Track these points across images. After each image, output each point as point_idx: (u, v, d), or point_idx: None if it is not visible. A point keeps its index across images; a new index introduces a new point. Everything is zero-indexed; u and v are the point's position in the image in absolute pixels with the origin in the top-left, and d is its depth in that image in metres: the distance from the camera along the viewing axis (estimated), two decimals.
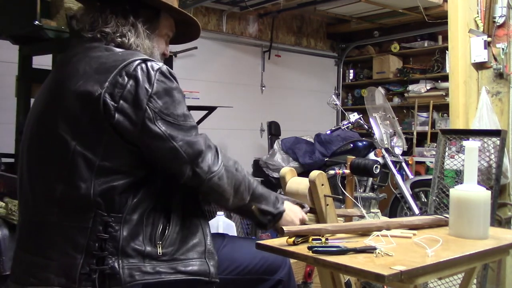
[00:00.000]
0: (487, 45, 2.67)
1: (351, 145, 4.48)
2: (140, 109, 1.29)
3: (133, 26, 1.43)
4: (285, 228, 1.34)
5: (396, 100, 6.86)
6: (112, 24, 1.41)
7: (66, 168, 1.30)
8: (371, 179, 4.06)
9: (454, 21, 2.77)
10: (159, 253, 1.33)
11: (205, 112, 4.47)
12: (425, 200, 4.33)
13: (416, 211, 3.86)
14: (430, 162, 5.38)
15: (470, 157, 1.54)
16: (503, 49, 2.62)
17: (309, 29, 7.11)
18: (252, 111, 6.33)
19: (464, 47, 2.74)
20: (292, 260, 1.66)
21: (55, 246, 1.30)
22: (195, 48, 5.32)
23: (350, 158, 2.32)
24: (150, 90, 1.30)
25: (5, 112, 3.43)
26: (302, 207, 1.71)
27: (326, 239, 1.35)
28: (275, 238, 1.45)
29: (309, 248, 1.26)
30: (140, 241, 1.31)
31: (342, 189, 2.22)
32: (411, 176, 4.41)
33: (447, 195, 2.32)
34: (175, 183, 1.39)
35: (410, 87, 6.62)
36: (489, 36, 2.67)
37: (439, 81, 6.39)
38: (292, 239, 1.33)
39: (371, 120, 4.24)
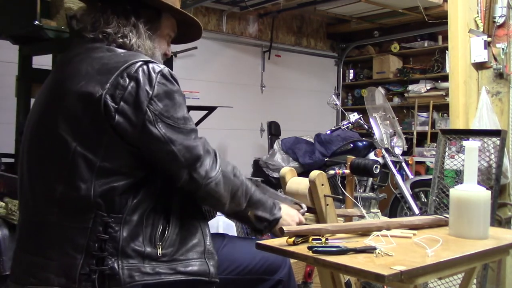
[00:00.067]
0: (487, 45, 2.67)
1: (351, 145, 4.48)
2: (141, 111, 1.29)
3: (135, 26, 1.43)
4: (285, 228, 1.34)
5: (396, 100, 6.86)
6: (114, 25, 1.40)
7: (66, 169, 1.30)
8: (371, 179, 4.07)
9: (454, 21, 2.77)
10: (159, 254, 1.33)
11: (205, 112, 4.47)
12: (425, 200, 4.33)
13: (416, 211, 3.86)
14: (430, 162, 5.38)
15: (470, 157, 1.54)
16: (503, 49, 2.62)
17: (309, 29, 7.11)
18: (252, 111, 6.33)
19: (464, 47, 2.74)
20: (292, 260, 1.66)
21: (55, 246, 1.30)
22: (195, 48, 5.32)
23: (350, 158, 2.32)
24: (150, 92, 1.30)
25: (5, 112, 3.43)
26: (300, 207, 1.71)
27: (326, 239, 1.35)
28: (275, 238, 1.46)
29: (309, 248, 1.26)
30: (140, 242, 1.31)
31: (342, 189, 2.22)
32: (411, 176, 4.41)
33: (447, 195, 2.32)
34: (174, 184, 1.39)
35: (410, 87, 6.62)
36: (489, 36, 2.67)
37: (439, 81, 6.39)
38: (292, 239, 1.33)
39: (371, 120, 4.24)
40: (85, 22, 1.43)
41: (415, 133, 6.29)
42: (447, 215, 1.60)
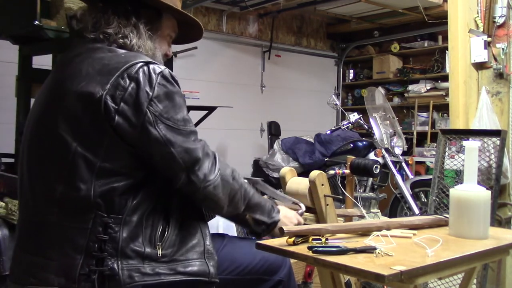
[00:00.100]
0: (487, 45, 2.67)
1: (351, 145, 4.48)
2: (141, 112, 1.29)
3: (135, 27, 1.43)
4: (285, 228, 1.34)
5: (396, 100, 6.86)
6: (114, 25, 1.40)
7: (66, 169, 1.30)
8: (371, 179, 4.07)
9: (454, 21, 2.77)
10: (159, 254, 1.33)
11: (205, 112, 4.47)
12: (425, 200, 4.33)
13: (416, 211, 3.86)
14: (430, 162, 5.38)
15: (470, 157, 1.54)
16: (503, 49, 2.62)
17: (309, 29, 7.11)
18: (252, 111, 6.34)
19: (464, 47, 2.74)
20: (292, 260, 1.66)
21: (55, 246, 1.30)
22: (195, 48, 5.33)
23: (350, 158, 2.32)
24: (151, 93, 1.30)
25: (5, 112, 3.43)
26: (299, 207, 1.71)
27: (326, 239, 1.35)
28: (275, 238, 1.46)
29: (309, 248, 1.26)
30: (139, 243, 1.31)
31: (342, 189, 2.22)
32: (411, 176, 4.41)
33: (447, 195, 2.32)
34: (173, 186, 1.39)
35: (410, 87, 6.62)
36: (489, 36, 2.67)
37: (439, 81, 6.39)
38: (292, 239, 1.33)
39: (371, 120, 4.24)
40: (86, 22, 1.43)
41: (415, 133, 6.29)
42: (447, 215, 1.60)
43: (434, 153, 4.40)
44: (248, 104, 6.30)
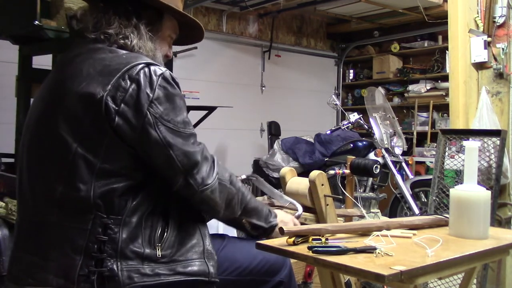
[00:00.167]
0: (487, 45, 2.67)
1: (351, 145, 4.48)
2: (141, 114, 1.29)
3: (136, 27, 1.43)
4: (285, 228, 1.34)
5: (396, 100, 6.86)
6: (115, 26, 1.40)
7: (66, 169, 1.30)
8: (371, 179, 4.07)
9: (454, 21, 2.77)
10: (158, 255, 1.33)
11: (205, 112, 4.48)
12: (425, 200, 4.33)
13: (416, 211, 3.86)
14: (430, 162, 5.38)
15: (470, 157, 1.54)
16: (503, 49, 2.62)
17: (309, 29, 7.11)
18: (252, 111, 6.34)
19: (464, 47, 2.74)
20: (292, 260, 1.66)
21: (54, 246, 1.30)
22: (195, 48, 5.32)
23: (350, 158, 2.32)
24: (151, 95, 1.30)
25: (5, 112, 3.43)
26: (296, 209, 1.72)
27: (326, 239, 1.35)
28: (275, 238, 1.46)
29: (309, 248, 1.26)
30: (139, 244, 1.31)
31: (342, 189, 2.23)
32: (411, 176, 4.41)
33: (447, 195, 2.32)
34: (170, 188, 1.39)
35: (410, 87, 6.62)
36: (489, 36, 2.67)
37: (439, 81, 6.40)
38: (292, 239, 1.33)
39: (371, 120, 4.24)
40: (86, 22, 1.43)
41: (415, 133, 6.29)
42: (447, 215, 1.60)
43: (434, 153, 4.40)
44: (248, 104, 6.30)
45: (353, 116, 4.36)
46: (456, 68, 2.75)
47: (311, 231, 1.37)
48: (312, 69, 7.11)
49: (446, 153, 2.68)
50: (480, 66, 2.74)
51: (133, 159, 1.32)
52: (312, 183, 1.81)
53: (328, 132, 4.59)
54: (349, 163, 2.28)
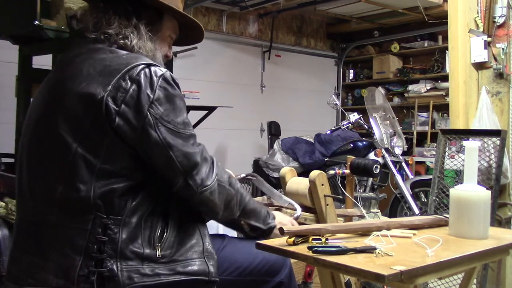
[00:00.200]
0: (487, 45, 2.67)
1: (351, 145, 4.48)
2: (141, 115, 1.29)
3: (136, 27, 1.43)
4: (285, 228, 1.34)
5: (396, 100, 6.86)
6: (115, 26, 1.40)
7: (66, 169, 1.30)
8: (371, 179, 4.07)
9: (454, 21, 2.77)
10: (158, 255, 1.33)
11: (205, 112, 4.48)
12: (425, 200, 4.33)
13: (416, 211, 3.86)
14: (430, 162, 5.38)
15: (470, 157, 1.54)
16: (503, 49, 2.62)
17: (309, 29, 7.11)
18: (252, 111, 6.34)
19: (464, 47, 2.74)
20: (292, 260, 1.66)
21: (54, 247, 1.30)
22: (195, 48, 5.32)
23: (350, 158, 2.32)
24: (152, 96, 1.30)
25: (5, 112, 3.43)
26: (295, 209, 1.72)
27: (326, 239, 1.35)
28: (275, 238, 1.46)
29: (309, 248, 1.26)
30: (139, 244, 1.31)
31: (342, 189, 2.22)
32: (411, 176, 4.41)
33: (447, 195, 2.32)
34: (170, 189, 1.39)
35: (410, 87, 6.62)
36: (489, 36, 2.67)
37: (439, 81, 6.39)
38: (292, 239, 1.33)
39: (371, 120, 4.24)
40: (86, 22, 1.43)
41: (415, 133, 6.29)
42: (447, 215, 1.60)
43: (434, 153, 4.40)
44: (248, 104, 6.30)
45: (353, 116, 4.36)
46: (456, 68, 2.75)
47: (311, 231, 1.37)
48: (312, 69, 7.11)
49: (446, 153, 2.68)
50: (480, 66, 2.74)
51: (133, 160, 1.32)
52: (312, 183, 1.81)
53: (328, 132, 4.59)
54: (349, 163, 2.28)
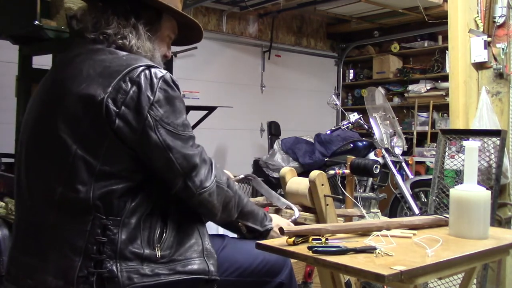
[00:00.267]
0: (487, 45, 2.67)
1: (351, 145, 4.48)
2: (141, 116, 1.29)
3: (134, 27, 1.42)
4: (285, 228, 1.34)
5: (396, 100, 6.86)
6: (114, 26, 1.40)
7: (66, 170, 1.30)
8: (371, 179, 4.07)
9: (454, 21, 2.77)
10: (158, 255, 1.33)
11: (205, 112, 4.48)
12: (425, 200, 4.33)
13: (416, 211, 3.86)
14: (430, 162, 5.38)
15: (470, 157, 1.54)
16: (503, 49, 2.62)
17: (309, 29, 7.11)
18: (252, 111, 6.33)
19: (464, 47, 2.74)
20: (292, 260, 1.66)
21: (53, 247, 1.30)
22: (195, 48, 5.32)
23: (350, 158, 2.32)
24: (152, 98, 1.30)
25: (5, 112, 3.43)
26: (293, 210, 1.72)
27: (326, 239, 1.35)
28: (275, 238, 1.46)
29: (309, 248, 1.26)
30: (138, 244, 1.31)
31: (342, 189, 2.22)
32: (411, 176, 4.41)
33: (447, 195, 2.32)
34: (169, 190, 1.39)
35: (410, 87, 6.62)
36: (489, 36, 2.67)
37: (439, 81, 6.39)
38: (292, 239, 1.33)
39: (371, 120, 4.24)
40: (86, 22, 1.43)
41: (415, 133, 6.29)
42: (447, 215, 1.60)
43: (434, 153, 4.40)
44: (248, 104, 6.30)
45: (353, 116, 4.36)
46: (456, 68, 2.75)
47: (311, 231, 1.37)
48: (312, 69, 7.11)
49: (446, 153, 2.68)
50: (480, 66, 2.74)
51: (133, 161, 1.32)
52: (312, 183, 1.81)
53: (328, 132, 4.58)
54: (349, 163, 2.28)
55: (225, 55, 6.21)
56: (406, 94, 6.73)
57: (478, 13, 2.72)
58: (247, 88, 6.41)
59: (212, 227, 1.66)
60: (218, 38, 6.06)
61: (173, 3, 1.48)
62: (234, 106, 5.48)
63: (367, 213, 2.66)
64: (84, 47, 1.41)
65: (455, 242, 1.44)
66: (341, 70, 7.51)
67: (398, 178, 4.11)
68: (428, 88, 6.49)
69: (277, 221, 1.65)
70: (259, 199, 2.08)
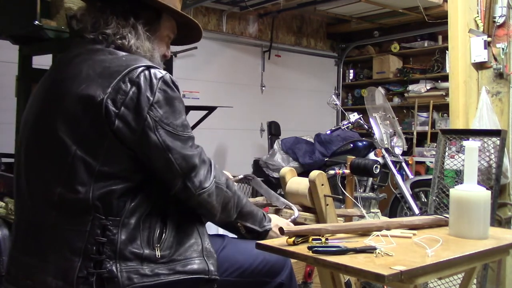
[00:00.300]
0: (487, 45, 2.67)
1: (351, 145, 4.48)
2: (141, 117, 1.29)
3: (133, 27, 1.42)
4: (285, 228, 1.34)
5: (396, 100, 6.86)
6: (113, 26, 1.40)
7: (65, 171, 1.30)
8: (371, 179, 4.07)
9: (454, 21, 2.77)
10: (157, 255, 1.33)
11: (205, 112, 4.48)
12: (425, 200, 4.33)
13: (416, 211, 3.86)
14: (430, 162, 5.38)
15: (470, 157, 1.54)
16: (503, 49, 2.62)
17: (309, 29, 7.11)
18: (252, 111, 6.33)
19: (464, 47, 2.74)
20: (292, 260, 1.66)
21: (52, 248, 1.30)
22: (195, 48, 5.33)
23: (350, 158, 2.32)
24: (151, 98, 1.30)
25: (5, 112, 3.43)
26: (292, 210, 1.72)
27: (326, 239, 1.35)
28: (275, 238, 1.46)
29: (309, 248, 1.26)
30: (138, 245, 1.31)
31: (342, 189, 2.22)
32: (411, 176, 4.41)
33: (447, 195, 2.32)
34: (168, 191, 1.39)
35: (410, 87, 6.62)
36: (489, 36, 2.67)
37: (439, 81, 6.39)
38: (292, 239, 1.33)
39: (371, 120, 4.24)
40: (85, 22, 1.43)
41: (415, 133, 6.29)
42: (447, 215, 1.60)
43: (434, 153, 4.40)
44: (248, 104, 6.30)
45: (353, 116, 4.36)
46: (456, 68, 2.75)
47: (311, 231, 1.37)
48: (312, 69, 7.11)
49: (446, 153, 2.68)
50: (480, 66, 2.74)
51: (133, 162, 1.32)
52: (312, 183, 1.81)
53: (328, 132, 4.58)
54: (349, 163, 2.28)
55: (225, 55, 6.21)
56: (406, 94, 6.73)
57: (478, 13, 2.72)
58: (247, 88, 6.41)
59: (212, 227, 1.66)
60: (218, 38, 6.06)
61: (172, 2, 1.48)
62: (234, 106, 5.48)
63: (367, 213, 2.66)
64: (83, 47, 1.41)
65: (455, 242, 1.44)
66: (341, 70, 7.52)
67: (398, 178, 4.11)
68: (428, 88, 6.49)
69: (276, 221, 1.65)
70: (259, 199, 2.08)
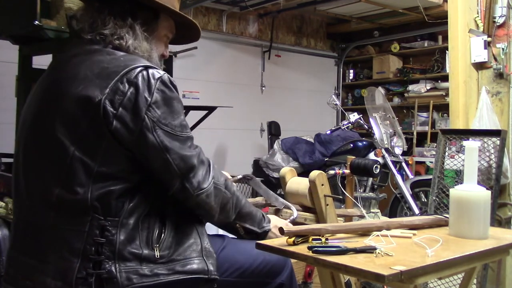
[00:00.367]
0: (487, 45, 2.67)
1: (351, 145, 4.48)
2: (139, 118, 1.29)
3: (131, 28, 1.42)
4: (285, 228, 1.34)
5: (396, 100, 6.86)
6: (110, 26, 1.40)
7: (64, 172, 1.29)
8: (371, 179, 4.06)
9: (454, 21, 2.77)
10: (157, 256, 1.32)
11: (205, 112, 4.48)
12: (425, 200, 4.33)
13: (416, 211, 3.86)
14: (430, 162, 5.38)
15: (470, 157, 1.54)
16: (503, 49, 2.62)
17: (309, 29, 7.11)
18: (252, 111, 6.34)
19: (464, 47, 2.74)
20: (292, 260, 1.66)
21: (51, 249, 1.30)
22: (195, 48, 5.32)
23: (350, 158, 2.32)
24: (149, 99, 1.30)
25: (5, 112, 3.43)
26: (291, 210, 1.72)
27: (326, 239, 1.35)
28: (275, 238, 1.46)
29: (309, 248, 1.26)
30: (137, 245, 1.31)
31: (342, 189, 2.22)
32: (411, 176, 4.41)
33: (447, 195, 2.32)
34: (167, 192, 1.39)
35: (410, 87, 6.62)
36: (489, 36, 2.67)
37: (439, 81, 6.40)
38: (292, 239, 1.33)
39: (371, 120, 4.24)
40: (84, 22, 1.43)
41: (415, 133, 6.29)
42: (447, 215, 1.60)
43: (434, 153, 4.40)
44: (248, 104, 6.30)
45: (353, 116, 4.36)
46: (456, 68, 2.75)
47: (311, 231, 1.37)
48: (312, 69, 7.11)
49: (446, 153, 2.68)
50: (480, 66, 2.74)
51: (131, 162, 1.32)
52: (312, 183, 1.81)
53: (328, 132, 4.58)
54: (349, 163, 2.28)
55: (225, 55, 6.21)
56: (406, 94, 6.73)
57: (478, 13, 2.72)
58: (247, 88, 6.41)
59: (211, 228, 1.66)
60: (218, 38, 6.06)
61: (170, 2, 1.48)
62: (234, 106, 5.48)
63: (367, 213, 2.66)
64: (81, 47, 1.41)
65: (455, 242, 1.44)
66: (341, 70, 7.52)
67: (398, 178, 4.11)
68: (428, 88, 6.49)
69: (275, 222, 1.65)
70: (258, 199, 2.08)
